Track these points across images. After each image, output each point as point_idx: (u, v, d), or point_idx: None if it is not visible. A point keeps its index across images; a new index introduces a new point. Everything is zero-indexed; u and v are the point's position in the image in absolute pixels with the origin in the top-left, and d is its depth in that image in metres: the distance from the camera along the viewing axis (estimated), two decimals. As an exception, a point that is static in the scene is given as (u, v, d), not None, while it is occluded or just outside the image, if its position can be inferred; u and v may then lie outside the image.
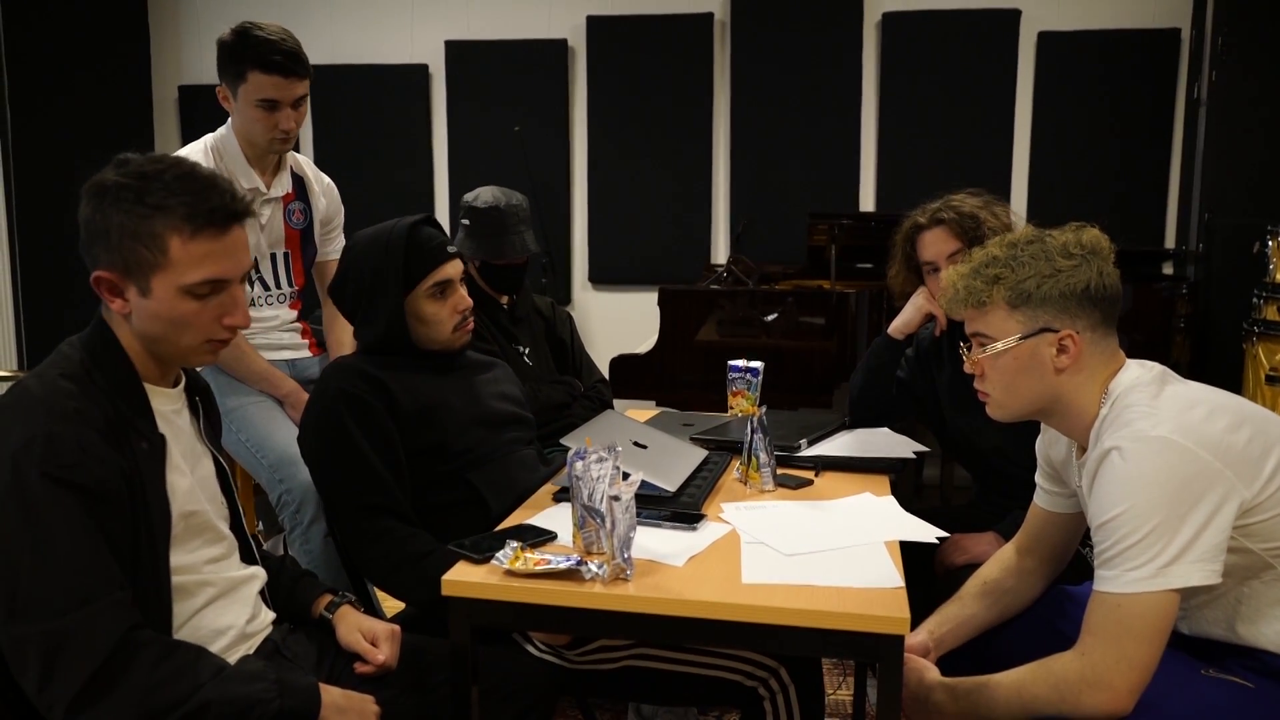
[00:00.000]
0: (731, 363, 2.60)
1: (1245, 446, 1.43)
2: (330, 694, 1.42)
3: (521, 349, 2.76)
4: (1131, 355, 1.61)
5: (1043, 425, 1.74)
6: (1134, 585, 1.39)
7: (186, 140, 4.99)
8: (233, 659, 1.50)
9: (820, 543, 1.66)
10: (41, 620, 1.24)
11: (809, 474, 2.10)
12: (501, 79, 5.08)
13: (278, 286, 2.66)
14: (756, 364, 2.58)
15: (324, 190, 2.75)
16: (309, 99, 2.51)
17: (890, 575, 1.51)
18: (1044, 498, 1.78)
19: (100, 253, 1.38)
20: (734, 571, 1.54)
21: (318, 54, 3.07)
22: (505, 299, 2.81)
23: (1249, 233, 3.80)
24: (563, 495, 1.88)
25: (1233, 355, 3.87)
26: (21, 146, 4.58)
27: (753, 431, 1.98)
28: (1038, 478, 1.80)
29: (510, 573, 1.50)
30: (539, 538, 1.65)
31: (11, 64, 4.59)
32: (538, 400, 2.55)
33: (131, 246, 1.36)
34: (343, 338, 2.72)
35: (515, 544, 1.54)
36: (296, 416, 2.45)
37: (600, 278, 5.18)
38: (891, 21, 4.78)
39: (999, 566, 1.82)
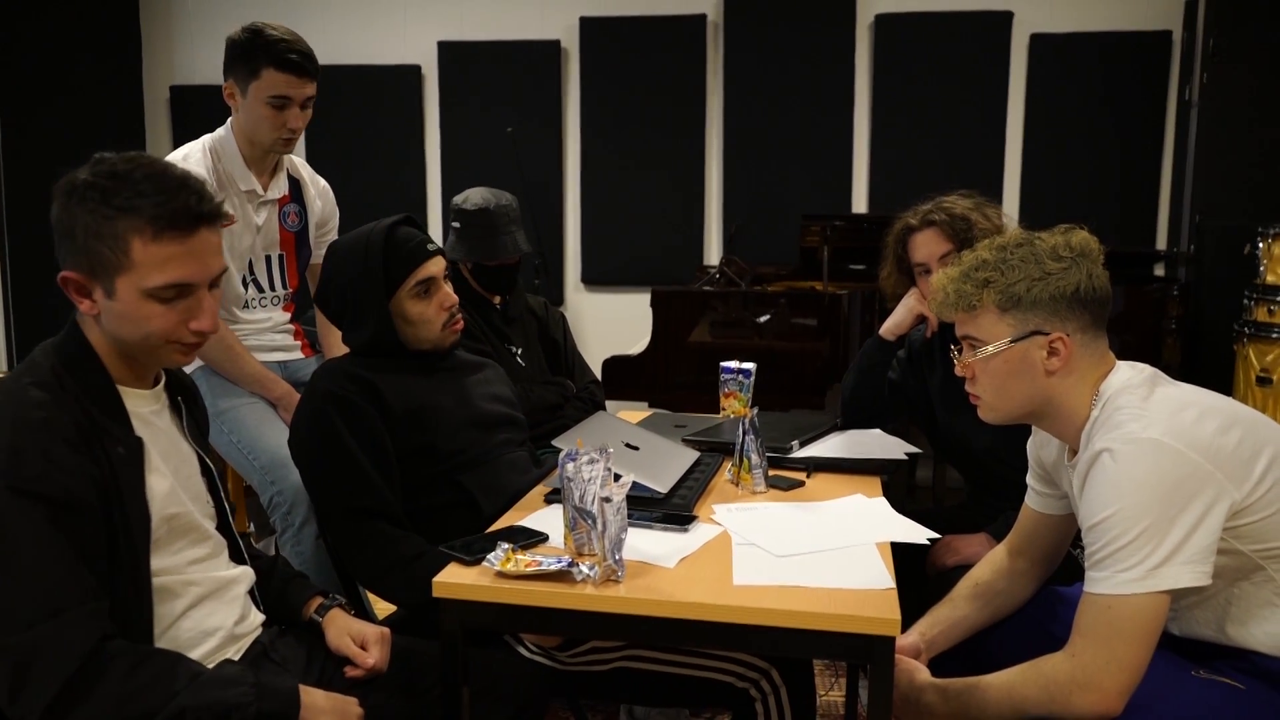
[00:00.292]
0: (724, 364, 2.60)
1: (1235, 448, 1.44)
2: (311, 696, 1.41)
3: (514, 349, 2.76)
4: (1123, 356, 1.61)
5: (1033, 427, 1.75)
6: (1124, 587, 1.40)
7: (178, 140, 4.97)
8: (221, 659, 1.50)
9: (811, 544, 1.66)
10: (10, 633, 1.23)
11: (801, 475, 2.10)
12: (494, 80, 5.08)
13: (271, 289, 2.66)
14: (749, 365, 2.58)
15: (320, 193, 2.75)
16: (314, 101, 2.52)
17: (881, 577, 1.51)
18: (1035, 499, 1.79)
19: (67, 253, 1.37)
20: (725, 573, 1.54)
21: (310, 54, 3.07)
22: (498, 298, 2.80)
23: (1240, 234, 3.81)
24: (554, 497, 1.88)
25: (1224, 356, 3.89)
26: (13, 147, 4.57)
27: (745, 433, 1.98)
28: (1029, 479, 1.80)
29: (501, 574, 1.50)
30: (530, 539, 1.65)
31: (3, 64, 4.58)
32: (530, 401, 2.55)
33: (95, 247, 1.35)
34: (337, 340, 2.71)
35: (506, 545, 1.54)
36: (289, 418, 2.44)
37: (593, 279, 5.18)
38: (884, 23, 4.78)
39: (990, 568, 1.82)
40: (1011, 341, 1.55)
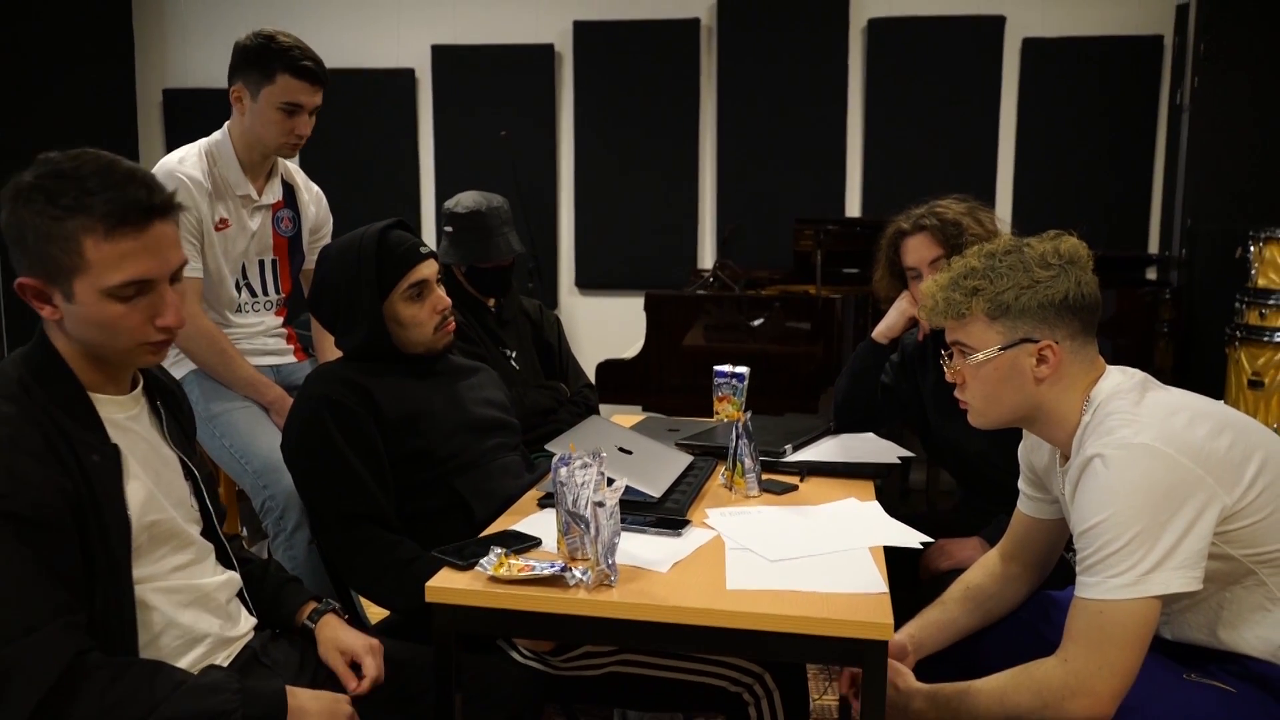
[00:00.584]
0: (717, 368, 2.60)
1: (1226, 452, 1.44)
2: (298, 697, 1.39)
3: (508, 352, 2.76)
4: (1115, 360, 1.62)
5: (1025, 431, 1.75)
6: (1116, 592, 1.40)
7: (172, 144, 4.96)
8: (211, 664, 1.49)
9: (805, 548, 1.66)
10: None
11: (794, 479, 2.10)
12: (488, 84, 5.08)
13: (264, 293, 2.66)
14: (742, 369, 2.58)
15: (313, 199, 2.76)
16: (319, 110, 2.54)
17: (874, 581, 1.52)
18: (1027, 504, 1.79)
19: (21, 259, 1.33)
20: (718, 577, 1.54)
21: (303, 58, 3.07)
22: (493, 300, 2.80)
23: (1231, 238, 3.83)
24: (547, 501, 1.88)
25: (1215, 360, 3.90)
26: (4, 150, 4.56)
27: (738, 437, 1.98)
28: (1021, 484, 1.80)
29: (494, 579, 1.49)
30: (523, 544, 1.65)
31: (-6, 67, 4.57)
32: (523, 405, 2.55)
33: (48, 251, 1.31)
34: (330, 344, 2.71)
35: (499, 550, 1.54)
36: (281, 423, 2.44)
37: (587, 283, 5.18)
38: (877, 28, 4.80)
39: (982, 572, 1.83)
40: (1000, 349, 1.55)
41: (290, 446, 1.96)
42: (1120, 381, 1.54)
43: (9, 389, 1.33)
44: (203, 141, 2.53)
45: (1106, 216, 4.71)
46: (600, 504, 1.48)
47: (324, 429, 1.87)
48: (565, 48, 5.05)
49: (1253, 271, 3.68)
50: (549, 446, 1.86)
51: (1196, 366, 4.11)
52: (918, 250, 2.26)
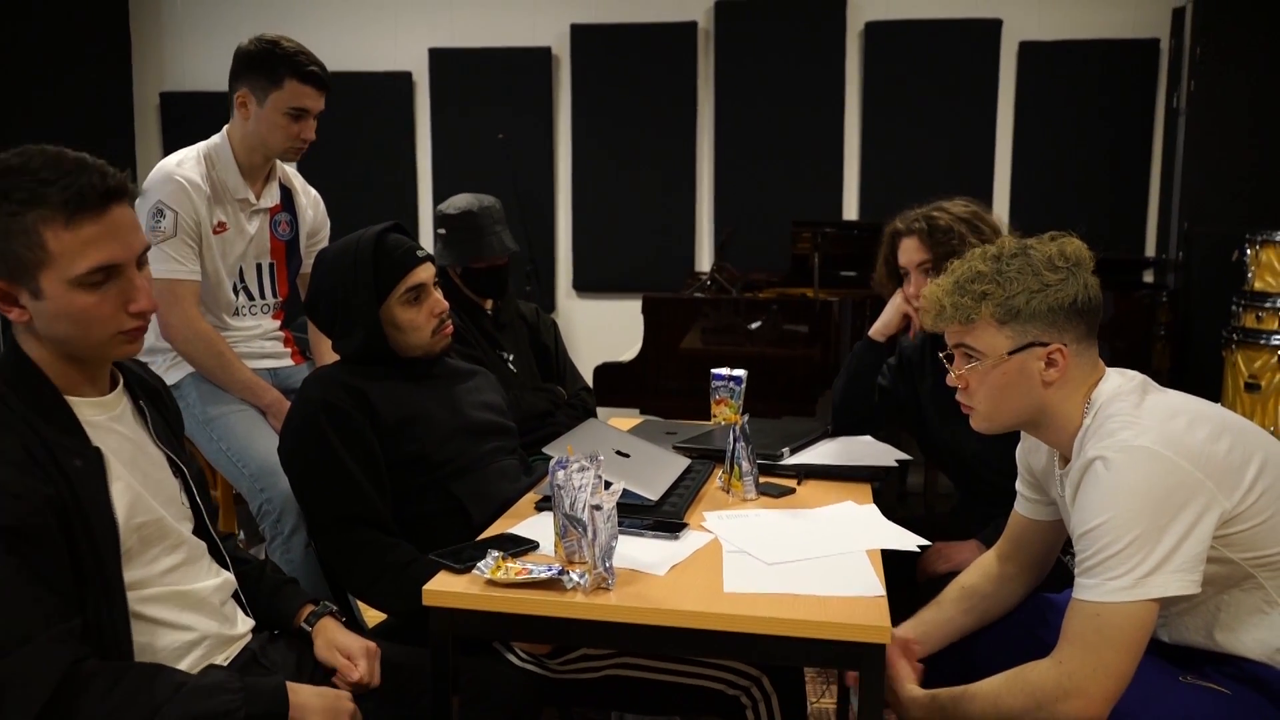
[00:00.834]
0: (715, 371, 2.60)
1: (1226, 456, 1.44)
2: (299, 694, 1.39)
3: (506, 355, 2.76)
4: (1113, 363, 1.62)
5: (1023, 433, 1.75)
6: (1113, 594, 1.40)
7: (169, 147, 4.97)
8: (209, 665, 1.48)
9: (802, 551, 1.66)
10: None
11: (791, 482, 2.10)
12: (485, 87, 5.08)
13: (262, 297, 2.66)
14: (740, 372, 2.58)
15: (311, 203, 2.76)
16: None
17: (871, 584, 1.52)
18: (1025, 505, 1.79)
19: None
20: (716, 580, 1.54)
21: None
22: (489, 303, 2.80)
23: (1228, 241, 3.84)
24: (545, 504, 1.88)
25: (1212, 363, 3.91)
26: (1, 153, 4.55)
27: (735, 440, 1.98)
28: (1018, 485, 1.80)
29: (492, 582, 1.49)
30: (520, 547, 1.64)
31: (-9, 70, 4.56)
32: (521, 408, 2.54)
33: (8, 248, 1.29)
34: (328, 347, 2.71)
35: (497, 553, 1.54)
36: (279, 426, 2.43)
37: (584, 286, 5.18)
38: (874, 31, 4.80)
39: (979, 573, 1.83)
40: (1010, 353, 1.54)
41: (287, 450, 1.96)
42: (1120, 384, 1.54)
43: None
44: (201, 145, 2.53)
45: (1104, 219, 4.71)
46: (598, 507, 1.48)
47: (321, 432, 1.86)
48: (563, 51, 5.05)
49: (1249, 274, 3.69)
50: (546, 449, 1.86)
51: (1193, 369, 4.12)
52: (908, 252, 2.28)
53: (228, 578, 1.59)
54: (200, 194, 2.44)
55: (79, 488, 1.31)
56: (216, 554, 1.59)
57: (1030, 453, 1.75)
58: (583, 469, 1.54)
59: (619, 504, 1.51)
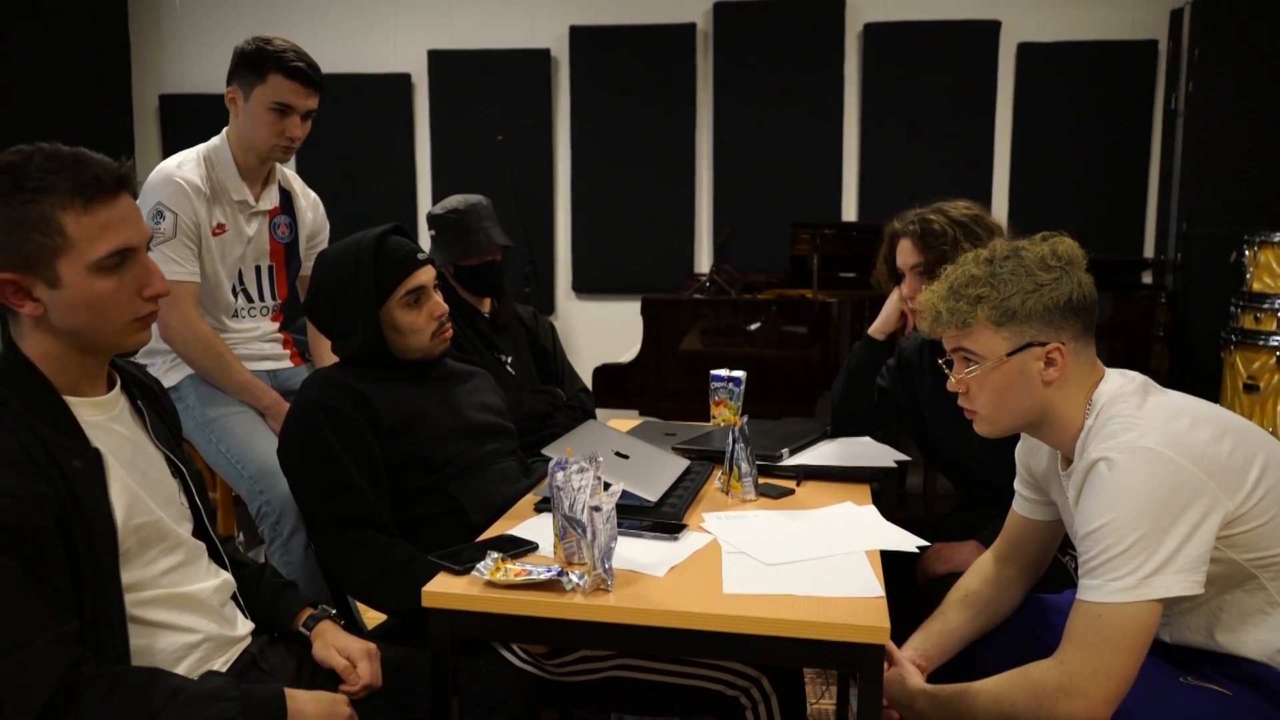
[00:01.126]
0: (714, 372, 2.60)
1: (1229, 457, 1.44)
2: (297, 700, 1.38)
3: (504, 358, 2.76)
4: (1111, 364, 1.62)
5: (1023, 434, 1.75)
6: (1116, 595, 1.40)
7: (167, 149, 4.96)
8: (208, 669, 1.48)
9: (801, 552, 1.66)
10: None
11: (791, 483, 2.10)
12: (484, 88, 5.08)
13: (261, 299, 2.66)
14: (739, 373, 2.58)
15: (310, 205, 2.76)
16: (314, 115, 2.55)
17: (871, 585, 1.52)
18: (1023, 505, 1.79)
19: None
20: (715, 581, 1.54)
21: (299, 63, 3.08)
22: (487, 306, 2.80)
23: (1227, 242, 3.83)
24: (544, 505, 1.88)
25: (1211, 364, 3.91)
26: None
27: (734, 441, 1.98)
28: (1017, 485, 1.80)
29: (491, 584, 1.49)
30: (520, 548, 1.64)
31: (-10, 72, 4.56)
32: (520, 410, 2.55)
33: (25, 237, 1.29)
34: (327, 349, 2.71)
35: (496, 555, 1.54)
36: (278, 427, 2.43)
37: (584, 287, 5.18)
38: (873, 32, 4.80)
39: (978, 577, 1.83)
40: (1008, 355, 1.55)
41: (286, 451, 1.96)
42: (1121, 384, 1.55)
43: None
44: (201, 147, 2.53)
45: (1102, 221, 4.71)
46: (597, 508, 1.48)
47: (319, 434, 1.86)
48: (561, 53, 5.05)
49: (1248, 276, 3.69)
50: (546, 451, 1.86)
51: (1192, 370, 4.12)
52: (903, 254, 2.30)
53: (227, 579, 1.59)
54: (200, 196, 2.44)
55: (78, 489, 1.30)
56: (215, 555, 1.59)
57: (1030, 453, 1.75)
58: (582, 470, 1.55)
59: (618, 505, 1.51)
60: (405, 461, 1.92)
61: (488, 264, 2.74)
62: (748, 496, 1.98)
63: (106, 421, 1.43)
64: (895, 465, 2.23)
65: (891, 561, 1.67)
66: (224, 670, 1.51)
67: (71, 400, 1.38)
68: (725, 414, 2.57)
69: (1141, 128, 4.68)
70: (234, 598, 1.60)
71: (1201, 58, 4.22)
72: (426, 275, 2.02)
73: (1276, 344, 3.60)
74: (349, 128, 5.14)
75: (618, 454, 1.95)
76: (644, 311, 3.92)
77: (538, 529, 1.75)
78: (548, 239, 5.14)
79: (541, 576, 1.48)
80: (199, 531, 1.56)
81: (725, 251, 4.65)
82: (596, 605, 1.46)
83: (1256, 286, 3.66)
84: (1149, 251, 4.73)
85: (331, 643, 1.62)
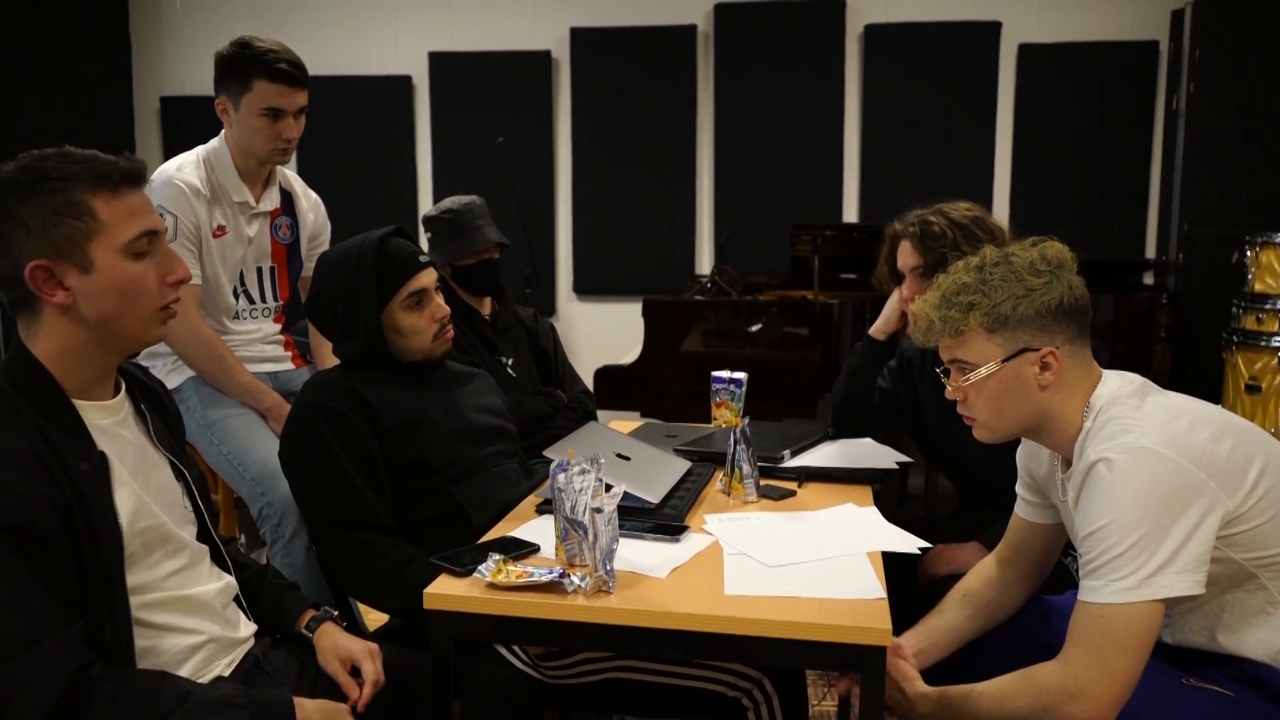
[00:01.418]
0: (715, 374, 2.60)
1: (1228, 457, 1.44)
2: (304, 709, 1.39)
3: (505, 360, 2.76)
4: (1113, 365, 1.62)
5: (1023, 437, 1.75)
6: (1118, 596, 1.40)
7: (169, 151, 4.97)
8: (212, 672, 1.48)
9: (803, 554, 1.66)
10: None
11: (792, 485, 2.10)
12: (485, 90, 5.08)
13: (262, 300, 2.66)
14: (740, 375, 2.58)
15: (311, 206, 2.76)
16: (307, 110, 2.53)
17: (872, 586, 1.52)
18: (1025, 508, 1.79)
19: (23, 245, 1.32)
20: (716, 583, 1.54)
21: (300, 65, 3.08)
22: (487, 308, 2.80)
23: (1228, 243, 3.83)
24: (546, 507, 1.87)
25: (1212, 365, 3.91)
26: (1, 158, 4.56)
27: (736, 443, 1.98)
28: (1018, 488, 1.80)
29: (493, 585, 1.49)
30: (521, 550, 1.64)
31: (-8, 75, 4.57)
32: (521, 412, 2.54)
33: (58, 222, 1.32)
34: (328, 351, 2.71)
35: (498, 556, 1.54)
36: (279, 429, 2.43)
37: (585, 289, 5.18)
38: (873, 34, 4.80)
39: (979, 578, 1.83)
40: (1003, 361, 1.55)
41: (287, 453, 1.96)
42: (1119, 386, 1.55)
43: None
44: (201, 149, 2.53)
45: (1104, 221, 4.71)
46: (598, 510, 1.48)
47: (320, 436, 1.86)
48: (562, 54, 5.06)
49: (1249, 276, 3.69)
50: (547, 453, 1.85)
51: (1193, 371, 4.12)
52: (903, 255, 2.30)
53: (229, 581, 1.59)
54: (200, 198, 2.44)
55: (84, 492, 1.30)
56: (218, 558, 1.59)
57: (1031, 456, 1.75)
58: (583, 472, 1.54)
59: (620, 507, 1.51)
60: (406, 464, 1.92)
61: (485, 262, 2.74)
62: (749, 498, 1.98)
63: (112, 426, 1.43)
64: (897, 466, 2.23)
65: (893, 563, 1.66)
66: (228, 672, 1.51)
67: (79, 404, 1.38)
68: (726, 415, 2.57)
69: (1142, 128, 4.68)
70: (236, 600, 1.60)
71: (1202, 58, 4.22)
72: (428, 278, 2.02)
73: (1278, 345, 3.59)
74: (350, 129, 5.15)
75: (619, 456, 1.95)
76: (645, 313, 3.92)
77: (539, 531, 1.75)
78: (548, 240, 5.14)
79: (543, 578, 1.48)
80: (202, 534, 1.57)
81: (726, 253, 4.65)
82: (598, 607, 1.46)
83: (1258, 287, 3.66)
84: (1150, 252, 4.73)
85: (334, 646, 1.62)
